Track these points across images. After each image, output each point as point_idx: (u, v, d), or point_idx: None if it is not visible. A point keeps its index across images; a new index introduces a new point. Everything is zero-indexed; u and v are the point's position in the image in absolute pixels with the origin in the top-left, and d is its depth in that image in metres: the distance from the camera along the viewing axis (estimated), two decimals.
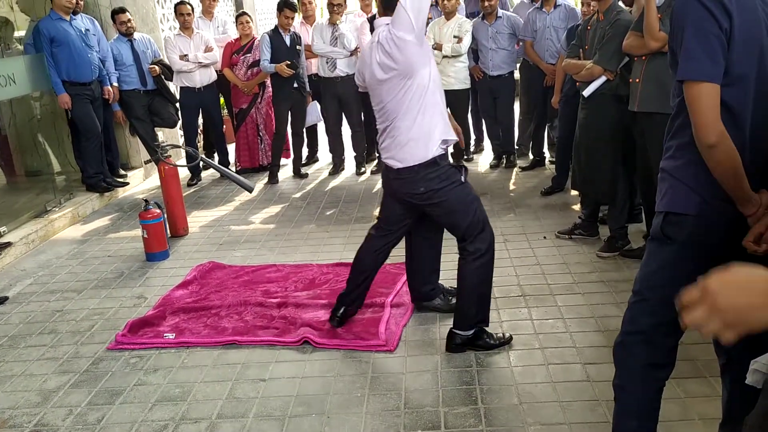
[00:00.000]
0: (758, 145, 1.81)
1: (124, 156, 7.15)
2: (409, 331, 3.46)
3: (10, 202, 5.99)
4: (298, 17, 6.92)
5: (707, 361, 2.86)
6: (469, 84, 6.51)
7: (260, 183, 6.75)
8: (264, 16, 11.14)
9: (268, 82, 6.88)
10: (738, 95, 1.78)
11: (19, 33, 6.41)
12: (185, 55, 6.63)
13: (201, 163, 6.37)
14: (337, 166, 7.04)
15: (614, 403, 2.11)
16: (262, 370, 3.18)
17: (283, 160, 7.09)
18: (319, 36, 6.61)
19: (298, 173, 6.95)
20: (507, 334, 3.28)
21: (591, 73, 4.16)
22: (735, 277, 1.07)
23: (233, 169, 7.13)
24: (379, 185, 6.44)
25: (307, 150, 7.49)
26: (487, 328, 3.23)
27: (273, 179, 6.78)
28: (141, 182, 7.11)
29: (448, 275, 3.88)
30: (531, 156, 6.75)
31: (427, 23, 4.64)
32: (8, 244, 5.00)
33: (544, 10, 6.07)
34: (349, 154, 7.13)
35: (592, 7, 4.77)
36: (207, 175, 7.16)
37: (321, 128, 7.40)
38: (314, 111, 7.00)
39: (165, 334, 3.55)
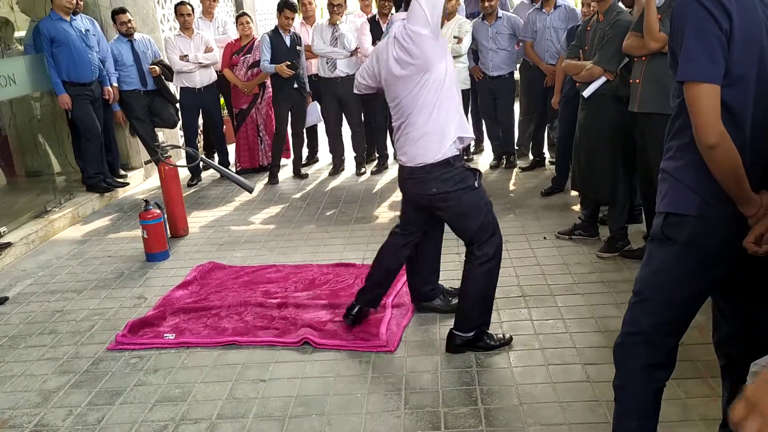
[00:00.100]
0: (758, 146, 1.81)
1: (125, 156, 7.15)
2: (409, 331, 3.46)
3: (10, 202, 5.99)
4: (298, 18, 6.92)
5: (707, 361, 2.86)
6: (469, 84, 6.52)
7: (260, 183, 6.75)
8: (264, 17, 11.14)
9: (268, 82, 6.89)
10: (738, 96, 1.78)
11: (20, 33, 6.41)
12: (185, 56, 6.63)
13: (201, 163, 6.37)
14: (337, 166, 7.04)
15: (614, 404, 2.11)
16: (262, 370, 3.18)
17: (283, 161, 7.09)
18: (319, 36, 6.61)
19: (298, 174, 6.95)
20: (507, 335, 3.28)
21: (591, 73, 4.16)
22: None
23: (233, 169, 7.14)
24: (379, 185, 6.45)
25: (307, 150, 7.49)
26: (487, 329, 3.23)
27: (273, 180, 6.78)
28: (141, 182, 7.11)
29: (448, 275, 3.88)
30: (531, 156, 6.75)
31: None
32: (8, 245, 5.00)
33: (544, 10, 6.07)
34: (349, 154, 7.13)
35: (592, 8, 4.77)
36: (207, 175, 7.16)
37: (321, 129, 7.41)
38: (314, 111, 7.00)
39: (165, 335, 3.55)
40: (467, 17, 6.78)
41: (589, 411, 2.69)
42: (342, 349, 3.31)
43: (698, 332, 2.96)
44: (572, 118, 4.70)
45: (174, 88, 6.98)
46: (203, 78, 6.78)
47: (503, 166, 6.70)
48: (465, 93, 6.39)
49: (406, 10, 3.00)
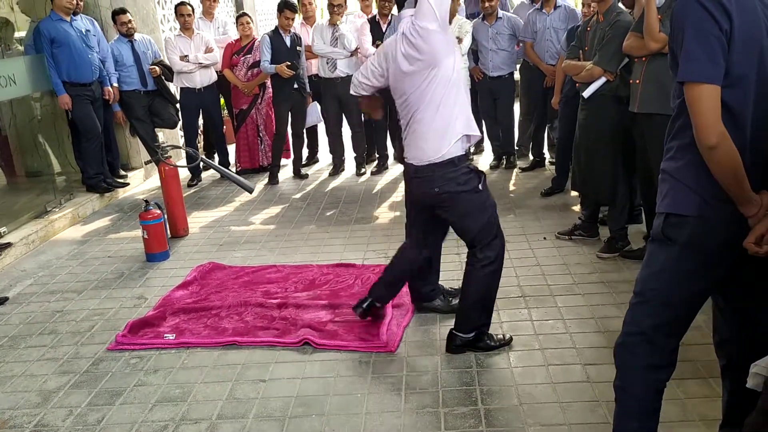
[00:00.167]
0: (759, 146, 1.82)
1: (125, 156, 7.15)
2: (409, 332, 3.46)
3: (10, 202, 5.99)
4: (298, 18, 6.92)
5: (707, 362, 2.87)
6: (470, 85, 6.52)
7: (260, 184, 6.75)
8: (264, 17, 11.15)
9: (269, 82, 6.88)
10: (738, 96, 1.78)
11: (20, 34, 6.41)
12: (185, 56, 6.63)
13: (201, 163, 6.37)
14: (338, 166, 7.04)
15: (615, 404, 2.11)
16: (262, 370, 3.18)
17: (282, 161, 7.09)
18: (319, 37, 6.61)
19: (298, 174, 6.95)
20: (507, 335, 3.28)
21: (591, 74, 4.16)
22: None
23: (233, 169, 7.14)
24: (379, 186, 6.45)
25: (307, 151, 7.49)
26: (487, 330, 3.23)
27: (273, 180, 6.78)
28: (141, 183, 7.11)
29: (448, 276, 3.89)
30: (531, 157, 6.75)
31: None
32: (8, 245, 5.00)
33: (544, 11, 6.07)
34: (350, 154, 7.13)
35: (592, 8, 4.77)
36: (207, 175, 7.17)
37: (321, 129, 7.41)
38: (314, 112, 7.00)
39: (165, 335, 3.55)
40: (467, 17, 6.78)
41: (589, 411, 2.69)
42: (342, 349, 3.31)
43: (698, 333, 2.96)
44: (572, 119, 4.71)
45: (174, 88, 6.98)
46: (203, 78, 6.78)
47: (503, 166, 6.70)
48: None
49: (413, 6, 2.99)
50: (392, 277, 3.47)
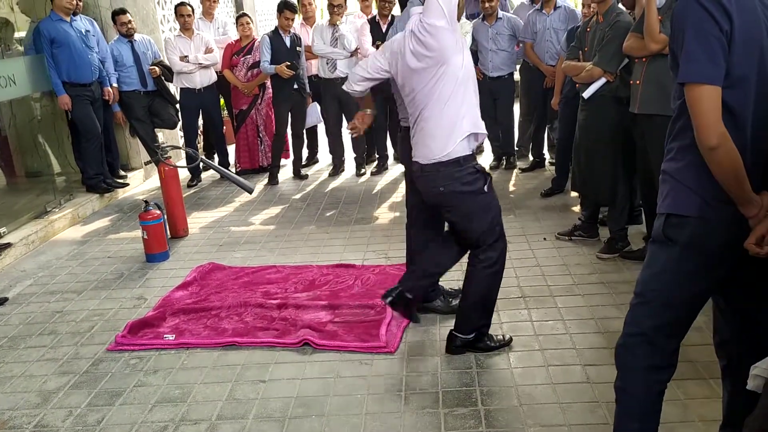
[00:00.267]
0: (759, 147, 1.82)
1: (124, 157, 7.15)
2: (409, 332, 3.46)
3: (10, 202, 5.99)
4: (298, 18, 6.92)
5: (707, 362, 2.87)
6: None
7: (260, 184, 6.75)
8: (264, 18, 11.15)
9: (269, 83, 6.88)
10: (739, 97, 1.78)
11: (20, 34, 6.41)
12: (185, 57, 6.63)
13: (201, 164, 6.37)
14: (337, 167, 7.04)
15: (615, 405, 2.11)
16: (262, 371, 3.17)
17: (282, 161, 7.09)
18: (319, 37, 6.61)
19: (298, 174, 6.95)
20: (507, 336, 3.28)
21: (591, 74, 4.17)
22: None
23: (233, 170, 7.14)
24: (379, 186, 6.45)
25: (307, 151, 7.49)
26: (487, 331, 3.23)
27: (273, 180, 6.78)
28: (141, 183, 7.11)
29: (448, 276, 3.88)
30: (531, 157, 6.75)
31: None
32: (8, 245, 5.00)
33: (544, 11, 6.07)
34: (349, 155, 7.13)
35: (592, 9, 4.77)
36: (207, 176, 7.16)
37: (321, 129, 7.41)
38: (314, 112, 7.00)
39: (165, 335, 3.55)
40: (467, 18, 6.77)
41: (589, 412, 2.69)
42: (342, 350, 3.31)
43: (698, 333, 2.96)
44: (572, 119, 4.71)
45: (174, 88, 6.97)
46: (203, 79, 6.78)
47: (503, 167, 6.70)
48: None
49: (421, 4, 2.99)
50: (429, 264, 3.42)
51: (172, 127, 6.94)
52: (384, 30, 6.40)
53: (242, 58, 6.85)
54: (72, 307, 4.08)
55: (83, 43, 5.90)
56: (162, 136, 5.58)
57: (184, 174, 6.55)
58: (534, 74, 6.27)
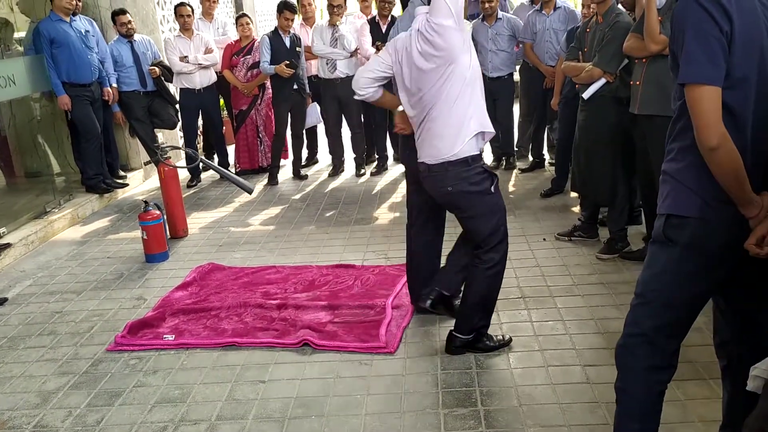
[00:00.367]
0: (760, 147, 1.82)
1: (124, 157, 7.14)
2: (409, 332, 3.46)
3: (9, 203, 5.98)
4: (297, 19, 6.92)
5: (707, 363, 2.87)
6: None
7: (260, 184, 6.75)
8: (264, 18, 11.15)
9: (268, 83, 6.88)
10: (739, 97, 1.78)
11: (19, 34, 6.41)
12: (185, 57, 6.63)
13: (201, 164, 6.36)
14: (337, 167, 7.04)
15: (616, 406, 2.11)
16: (261, 371, 3.17)
17: (281, 161, 7.08)
18: (319, 37, 6.61)
19: (297, 175, 6.95)
20: (506, 336, 3.28)
21: (590, 75, 4.17)
22: None
23: (233, 170, 7.13)
24: (378, 187, 6.45)
25: (306, 151, 7.48)
26: (486, 331, 3.23)
27: (273, 181, 6.78)
28: (141, 183, 7.11)
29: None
30: (530, 158, 6.75)
31: None
32: (8, 245, 5.00)
33: (543, 12, 6.07)
34: (349, 155, 7.13)
35: (591, 10, 4.77)
36: (207, 176, 7.16)
37: (321, 130, 7.41)
38: (314, 112, 7.00)
39: (164, 336, 3.55)
40: (467, 18, 6.77)
41: (589, 412, 2.69)
42: (342, 350, 3.31)
43: (698, 334, 2.96)
44: (572, 120, 4.71)
45: (174, 89, 6.97)
46: (203, 79, 6.78)
47: (503, 167, 6.70)
48: None
49: (428, 3, 2.98)
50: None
51: (172, 127, 6.94)
52: (384, 30, 6.40)
53: (242, 59, 6.85)
54: (71, 307, 4.08)
55: (83, 43, 5.90)
56: (162, 136, 5.58)
57: (183, 174, 6.54)
58: (534, 75, 6.27)
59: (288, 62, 6.39)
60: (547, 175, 6.26)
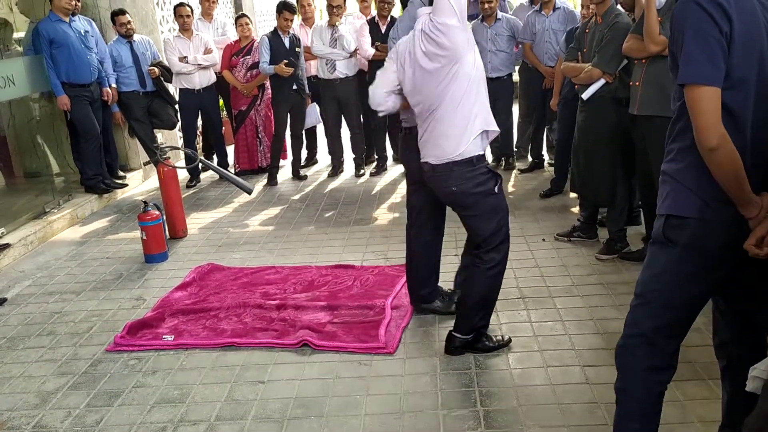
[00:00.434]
0: (759, 148, 1.82)
1: (123, 157, 7.14)
2: (408, 333, 3.46)
3: (8, 203, 5.98)
4: (297, 19, 6.92)
5: (706, 363, 2.87)
6: None
7: (259, 185, 6.75)
8: (263, 18, 11.15)
9: (268, 84, 6.88)
10: (739, 98, 1.78)
11: (19, 34, 6.41)
12: (184, 57, 6.63)
13: (200, 164, 6.37)
14: (336, 168, 7.04)
15: (616, 406, 2.11)
16: (261, 372, 3.17)
17: (280, 162, 7.08)
18: (318, 38, 6.61)
19: (297, 175, 6.95)
20: (506, 337, 3.28)
21: (590, 75, 4.17)
22: None
23: (232, 170, 7.13)
24: (378, 187, 6.45)
25: (306, 152, 7.48)
26: (485, 331, 3.23)
27: (272, 181, 6.77)
28: (140, 184, 7.10)
29: (446, 277, 3.88)
30: (530, 158, 6.76)
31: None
32: (7, 246, 5.00)
33: (543, 12, 6.08)
34: (348, 156, 7.13)
35: (590, 10, 4.78)
36: (206, 176, 7.16)
37: (320, 130, 7.41)
38: (313, 113, 7.00)
39: (164, 336, 3.54)
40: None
41: (588, 413, 2.69)
42: (341, 350, 3.30)
43: (698, 334, 2.96)
44: (571, 120, 4.71)
45: (173, 89, 6.97)
46: (202, 79, 6.78)
47: (502, 167, 6.70)
48: None
49: (430, 4, 2.98)
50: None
51: (171, 127, 6.94)
52: (383, 31, 6.40)
53: (241, 59, 6.85)
54: (71, 307, 4.08)
55: (82, 43, 5.90)
56: (161, 136, 5.59)
57: (183, 175, 6.54)
58: (533, 75, 6.27)
59: (287, 61, 6.40)
60: (547, 175, 6.26)
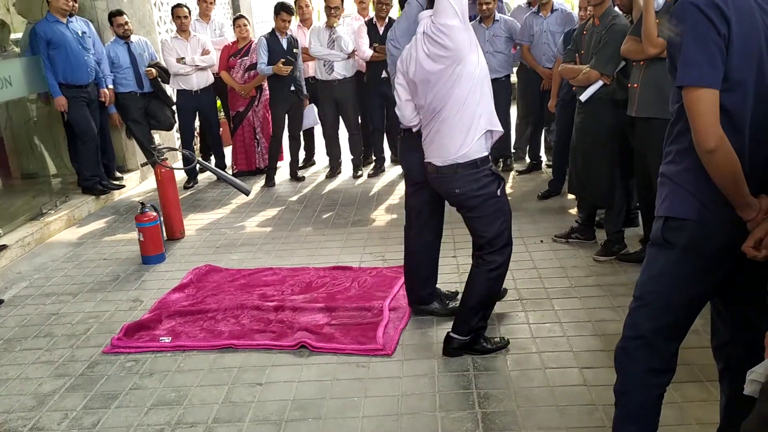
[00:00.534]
0: (757, 150, 1.82)
1: (121, 159, 7.12)
2: (406, 335, 3.46)
3: (5, 204, 5.97)
4: (295, 20, 6.92)
5: (704, 365, 2.87)
6: None
7: (257, 186, 6.74)
8: (261, 19, 11.14)
9: (266, 85, 6.88)
10: (737, 100, 1.78)
11: (16, 35, 6.40)
12: (182, 58, 6.62)
13: (198, 165, 6.36)
14: (334, 169, 7.03)
15: (615, 408, 2.11)
16: (258, 374, 3.17)
17: (278, 163, 7.08)
18: (316, 39, 6.61)
19: (294, 176, 6.94)
20: (504, 338, 3.28)
21: (588, 77, 4.17)
22: None
23: (230, 172, 7.12)
24: (376, 188, 6.45)
25: (304, 153, 7.48)
26: (483, 333, 3.23)
27: (270, 182, 6.77)
28: (137, 185, 7.09)
29: (444, 279, 3.88)
30: (528, 160, 6.76)
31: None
32: (4, 247, 4.98)
33: (541, 14, 6.08)
34: (346, 157, 7.12)
35: (588, 12, 4.78)
36: (203, 178, 7.15)
37: (318, 131, 7.40)
38: (311, 114, 7.00)
39: (161, 338, 3.54)
40: None
41: (587, 414, 2.69)
42: (339, 352, 3.30)
43: (695, 336, 2.96)
44: (569, 122, 4.71)
45: (171, 90, 6.96)
46: (200, 80, 6.78)
47: (500, 169, 6.70)
48: None
49: (431, 7, 2.98)
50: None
51: (169, 128, 6.93)
52: (381, 32, 6.40)
53: (239, 60, 6.84)
54: (68, 309, 4.07)
55: (79, 44, 5.89)
56: (158, 137, 5.57)
57: (180, 176, 6.53)
58: (531, 76, 6.28)
59: (284, 60, 6.39)
60: (545, 177, 6.26)
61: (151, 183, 6.95)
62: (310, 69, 6.96)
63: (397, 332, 3.44)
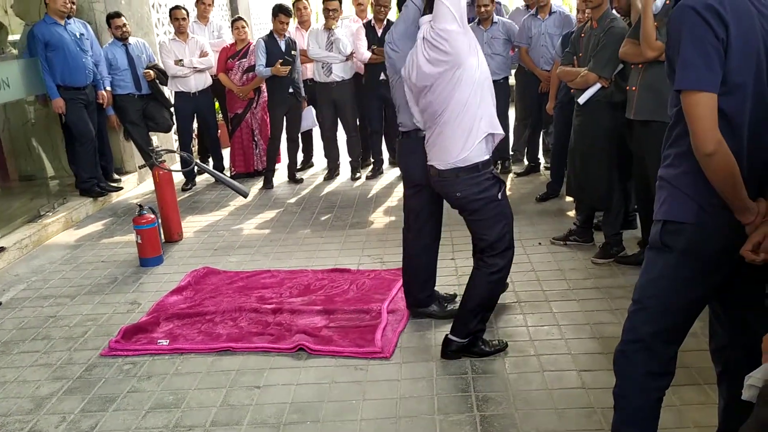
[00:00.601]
0: (756, 153, 1.82)
1: (118, 161, 7.12)
2: (405, 337, 3.45)
3: (3, 206, 5.96)
4: (293, 22, 6.92)
5: (702, 368, 2.86)
6: None
7: (255, 188, 6.74)
8: (259, 21, 11.14)
9: (264, 87, 6.88)
10: (735, 104, 1.78)
11: (14, 37, 6.39)
12: (180, 60, 6.62)
13: (196, 167, 6.36)
14: (332, 171, 7.03)
15: (614, 412, 2.10)
16: (256, 376, 3.16)
17: (276, 165, 7.07)
18: (314, 41, 6.61)
19: (293, 178, 6.94)
20: (502, 341, 3.28)
21: (586, 80, 4.17)
22: None
23: (228, 174, 7.12)
24: (374, 190, 6.45)
25: (302, 155, 7.48)
26: (482, 335, 3.23)
27: (268, 184, 6.77)
28: (135, 187, 7.09)
29: (442, 281, 3.88)
30: (526, 162, 6.77)
31: None
32: (1, 249, 4.98)
33: (539, 16, 6.09)
34: (345, 159, 7.12)
35: (586, 15, 4.79)
36: (201, 180, 7.15)
37: (316, 133, 7.41)
38: (309, 116, 7.00)
39: (159, 341, 3.53)
40: None
41: (585, 418, 2.69)
42: (337, 355, 3.30)
43: (694, 339, 2.96)
44: (567, 124, 4.72)
45: (169, 92, 6.96)
46: (198, 82, 6.78)
47: (498, 171, 6.70)
48: None
49: (430, 12, 2.99)
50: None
51: (167, 130, 6.92)
52: (379, 34, 6.40)
53: (237, 62, 6.85)
54: (65, 311, 4.06)
55: (77, 46, 5.89)
56: (156, 139, 5.57)
57: (178, 178, 6.53)
58: (529, 79, 6.29)
59: (282, 60, 6.39)
60: (543, 179, 6.27)
61: (149, 185, 6.95)
62: (309, 71, 6.96)
63: (396, 335, 3.44)
